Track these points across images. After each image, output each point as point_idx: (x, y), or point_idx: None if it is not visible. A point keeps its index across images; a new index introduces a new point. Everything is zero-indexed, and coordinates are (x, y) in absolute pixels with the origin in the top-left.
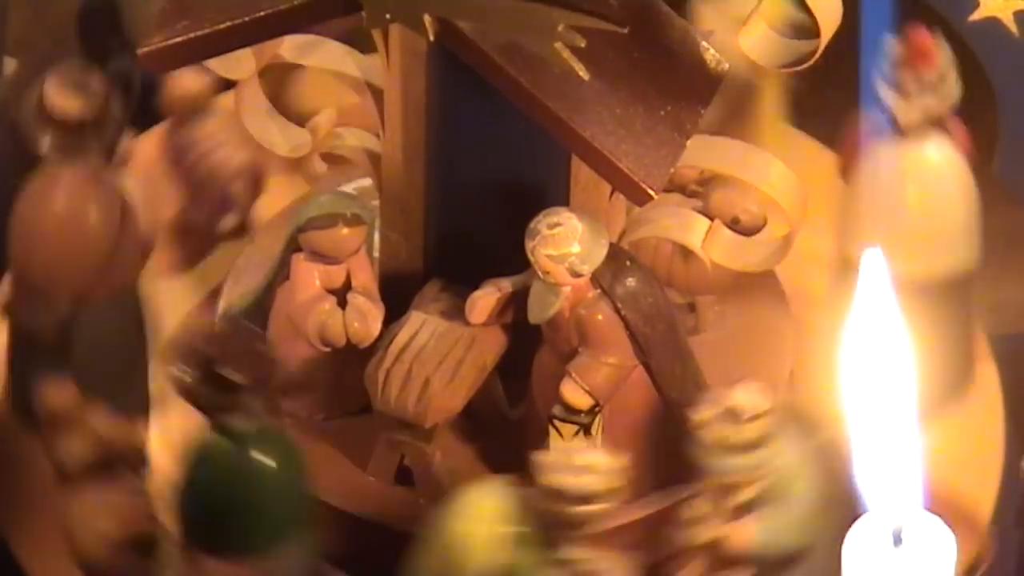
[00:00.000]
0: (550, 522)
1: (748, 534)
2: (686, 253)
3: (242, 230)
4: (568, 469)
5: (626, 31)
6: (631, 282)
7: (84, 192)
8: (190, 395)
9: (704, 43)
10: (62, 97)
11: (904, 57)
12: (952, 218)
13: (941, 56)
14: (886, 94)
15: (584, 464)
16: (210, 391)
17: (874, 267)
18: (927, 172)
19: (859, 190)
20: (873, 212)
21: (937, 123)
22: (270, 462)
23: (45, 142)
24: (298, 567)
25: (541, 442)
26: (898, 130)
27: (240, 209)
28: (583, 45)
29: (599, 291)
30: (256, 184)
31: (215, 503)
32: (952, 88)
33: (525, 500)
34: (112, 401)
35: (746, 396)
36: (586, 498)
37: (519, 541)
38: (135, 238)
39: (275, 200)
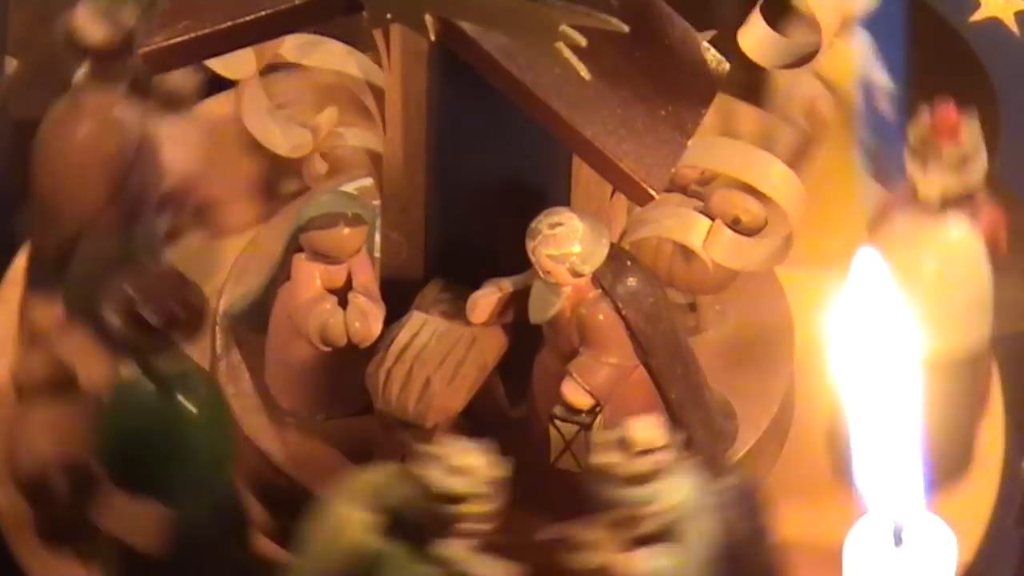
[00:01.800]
0: (424, 517)
1: (637, 566)
2: (687, 253)
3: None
4: (444, 467)
5: (627, 30)
6: (632, 282)
7: (106, 121)
8: (115, 335)
9: (705, 43)
10: (91, 24)
11: (929, 132)
12: (962, 298)
13: (967, 135)
14: (909, 165)
15: (460, 465)
16: (133, 332)
17: (868, 266)
18: (943, 250)
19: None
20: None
21: (961, 201)
22: (191, 407)
23: (73, 69)
24: (219, 512)
25: (542, 442)
26: (918, 202)
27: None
28: (584, 44)
29: (600, 291)
30: None
31: (134, 443)
32: (978, 170)
33: (406, 491)
34: (95, 327)
35: (642, 430)
36: (454, 498)
37: (393, 530)
38: (152, 176)
39: None
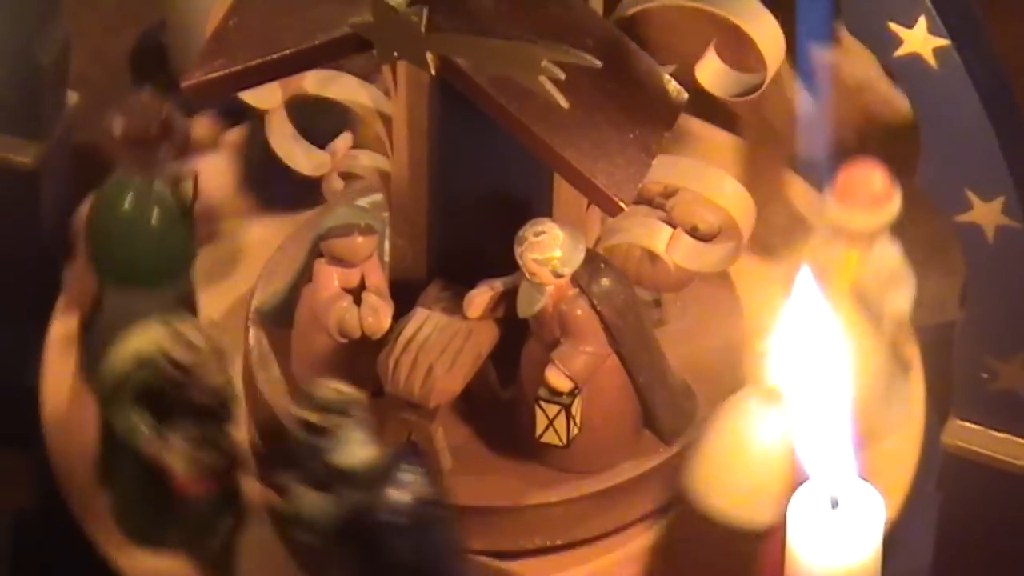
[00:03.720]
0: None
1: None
2: (652, 257)
3: None
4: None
5: (600, 65)
6: (605, 282)
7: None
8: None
9: (667, 76)
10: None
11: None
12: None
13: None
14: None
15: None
16: None
17: (806, 283)
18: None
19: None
20: None
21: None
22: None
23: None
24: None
25: (529, 420)
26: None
27: None
28: (563, 78)
29: (578, 290)
30: None
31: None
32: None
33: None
34: None
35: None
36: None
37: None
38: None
39: None
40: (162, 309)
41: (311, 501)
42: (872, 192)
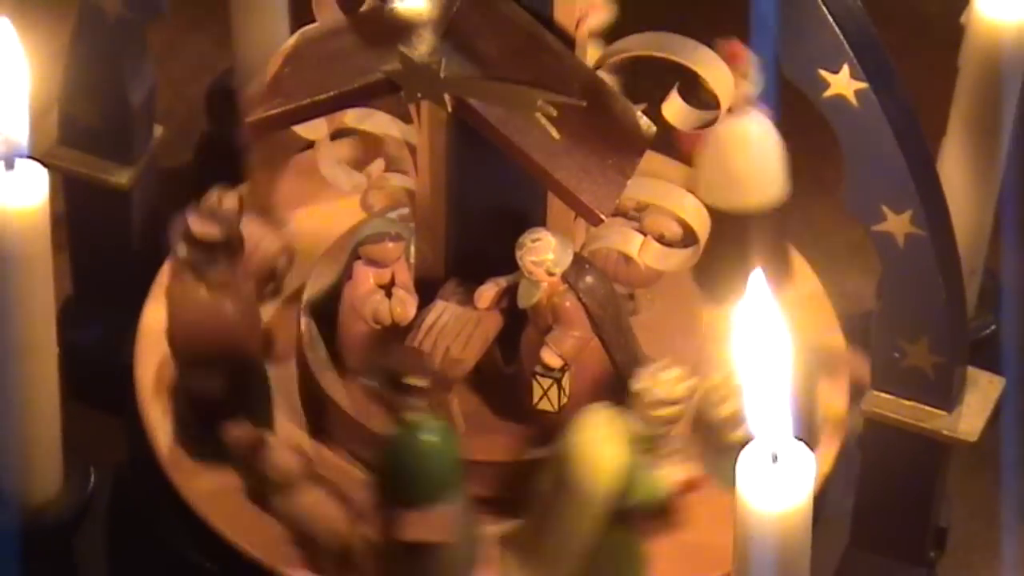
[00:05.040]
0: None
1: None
2: (627, 259)
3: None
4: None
5: (584, 105)
6: (589, 279)
7: (220, 293)
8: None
9: (639, 112)
10: (201, 223)
11: (724, 58)
12: (767, 169)
13: (748, 57)
14: None
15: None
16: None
17: (758, 283)
18: (749, 139)
19: (703, 160)
20: (711, 173)
21: (752, 103)
22: (435, 439)
23: (186, 253)
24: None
25: (527, 391)
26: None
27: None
28: (555, 114)
29: (567, 285)
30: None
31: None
32: (756, 79)
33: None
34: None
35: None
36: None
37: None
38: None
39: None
40: None
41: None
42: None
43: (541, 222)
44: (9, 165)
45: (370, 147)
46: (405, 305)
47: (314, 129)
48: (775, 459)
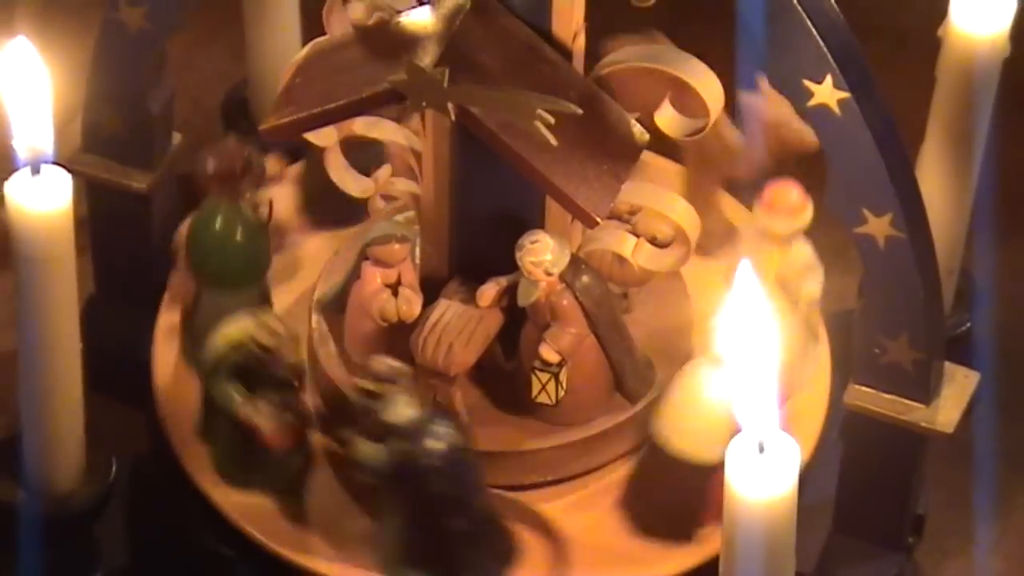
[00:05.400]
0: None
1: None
2: (621, 259)
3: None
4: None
5: (581, 113)
6: (585, 279)
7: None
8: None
9: (633, 120)
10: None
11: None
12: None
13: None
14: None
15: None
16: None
17: (745, 273)
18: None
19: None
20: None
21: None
22: (250, 223)
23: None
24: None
25: (527, 385)
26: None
27: None
28: (553, 122)
29: (564, 285)
30: None
31: (212, 247)
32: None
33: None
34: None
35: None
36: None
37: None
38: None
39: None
40: (247, 304)
41: (367, 449)
42: (791, 204)
43: (540, 224)
44: (35, 171)
45: (378, 153)
46: (411, 303)
47: (324, 136)
48: (761, 449)
